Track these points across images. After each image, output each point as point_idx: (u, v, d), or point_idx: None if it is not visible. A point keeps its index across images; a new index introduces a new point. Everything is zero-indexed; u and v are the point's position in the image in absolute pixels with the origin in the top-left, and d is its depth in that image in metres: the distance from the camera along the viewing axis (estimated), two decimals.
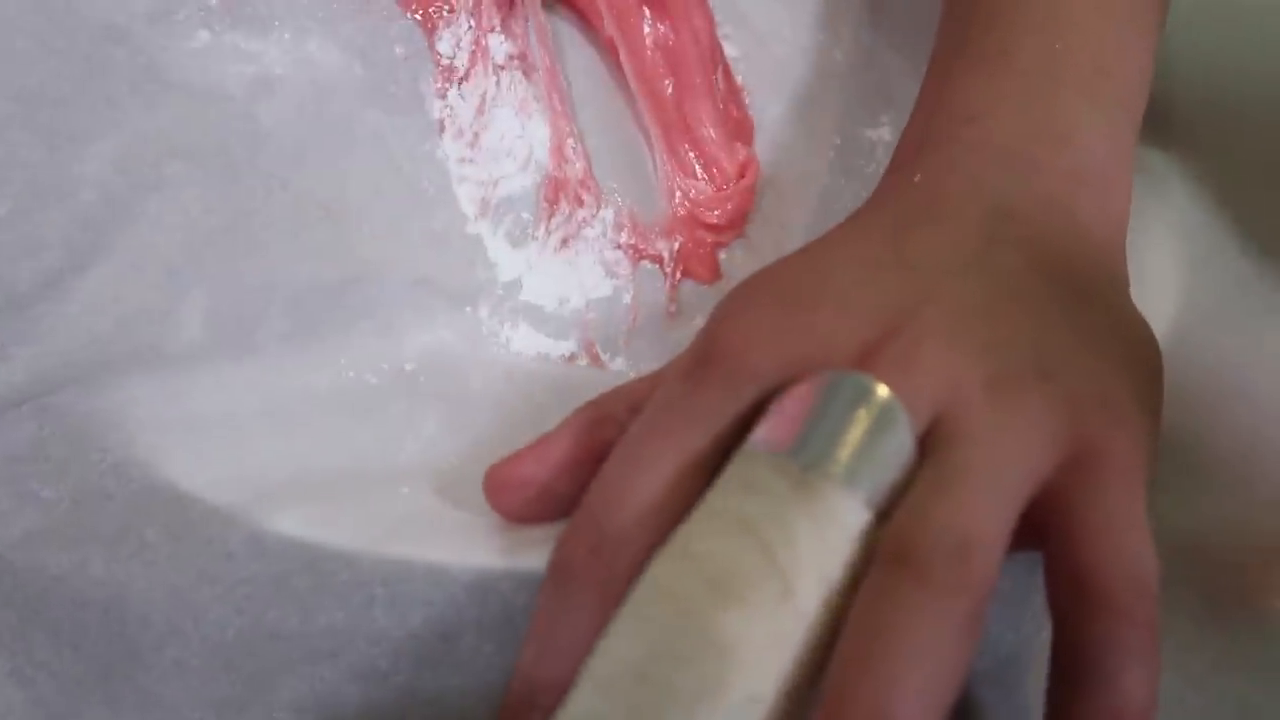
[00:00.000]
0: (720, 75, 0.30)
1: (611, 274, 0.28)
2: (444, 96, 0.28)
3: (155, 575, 0.19)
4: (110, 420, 0.21)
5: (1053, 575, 0.17)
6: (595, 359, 0.26)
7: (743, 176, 0.29)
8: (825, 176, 0.32)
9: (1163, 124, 0.28)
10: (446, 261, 0.26)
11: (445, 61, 0.29)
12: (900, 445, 0.16)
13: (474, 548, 0.19)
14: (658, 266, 0.28)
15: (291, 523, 0.19)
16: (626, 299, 0.27)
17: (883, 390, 0.16)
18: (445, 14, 0.29)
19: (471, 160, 0.28)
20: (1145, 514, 0.17)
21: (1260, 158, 0.30)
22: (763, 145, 0.31)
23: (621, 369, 0.26)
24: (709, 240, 0.29)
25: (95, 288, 0.23)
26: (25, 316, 0.22)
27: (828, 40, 0.32)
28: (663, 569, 0.15)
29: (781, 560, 0.15)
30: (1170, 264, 0.26)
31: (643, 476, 0.17)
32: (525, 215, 0.27)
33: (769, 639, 0.14)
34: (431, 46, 0.29)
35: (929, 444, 0.17)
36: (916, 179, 0.22)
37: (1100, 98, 0.23)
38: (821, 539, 0.15)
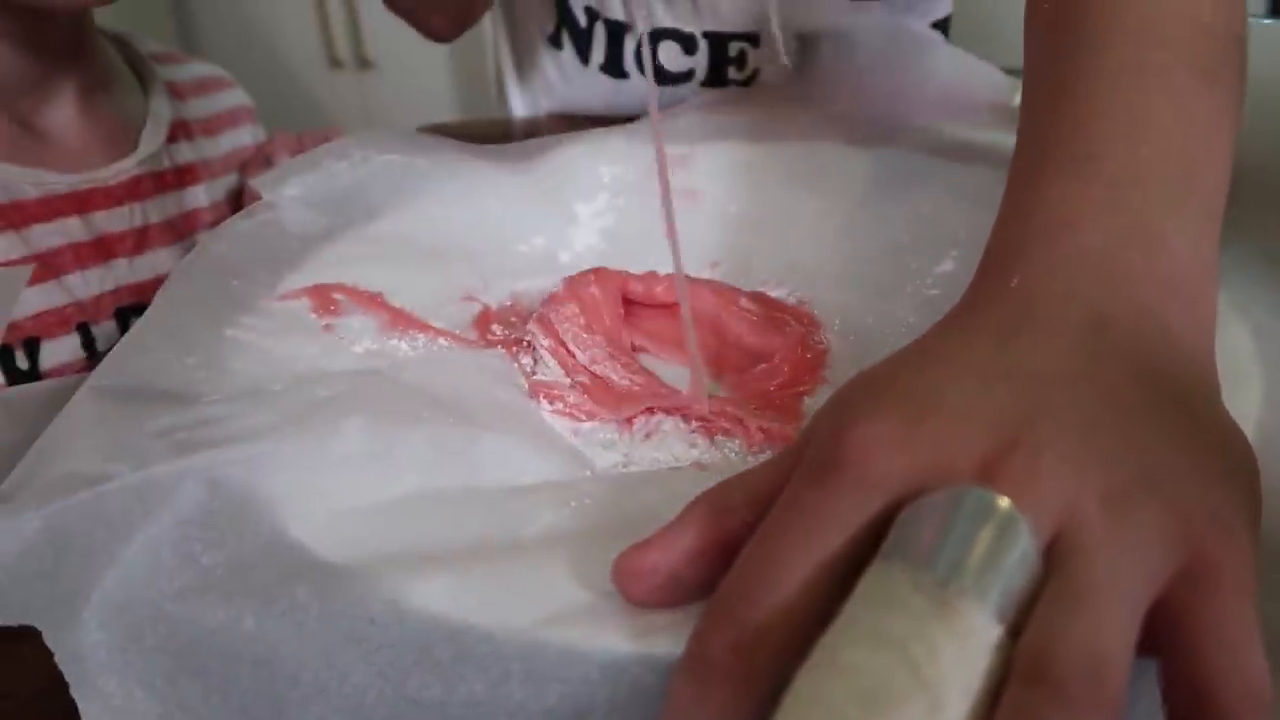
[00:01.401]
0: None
1: (696, 445, 0.30)
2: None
3: (304, 635, 0.20)
4: (269, 505, 0.23)
5: (1171, 688, 0.17)
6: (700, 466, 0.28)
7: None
8: (900, 313, 0.34)
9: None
10: (554, 454, 0.28)
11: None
12: (1025, 558, 0.17)
13: (605, 629, 0.20)
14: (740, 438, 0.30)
15: (430, 595, 0.21)
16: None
17: (1005, 504, 0.17)
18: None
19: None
20: (1256, 625, 0.17)
21: None
22: (846, 294, 0.34)
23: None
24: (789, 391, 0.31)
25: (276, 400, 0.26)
26: (210, 408, 0.25)
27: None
28: (812, 680, 0.16)
29: (927, 675, 0.15)
30: (1249, 361, 0.27)
31: (780, 576, 0.18)
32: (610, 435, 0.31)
33: None
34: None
35: (1051, 558, 0.17)
36: (1014, 284, 0.22)
37: (1187, 204, 0.23)
38: (963, 653, 0.16)
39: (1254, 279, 0.31)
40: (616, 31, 0.62)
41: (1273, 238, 0.34)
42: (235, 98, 0.63)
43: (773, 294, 0.37)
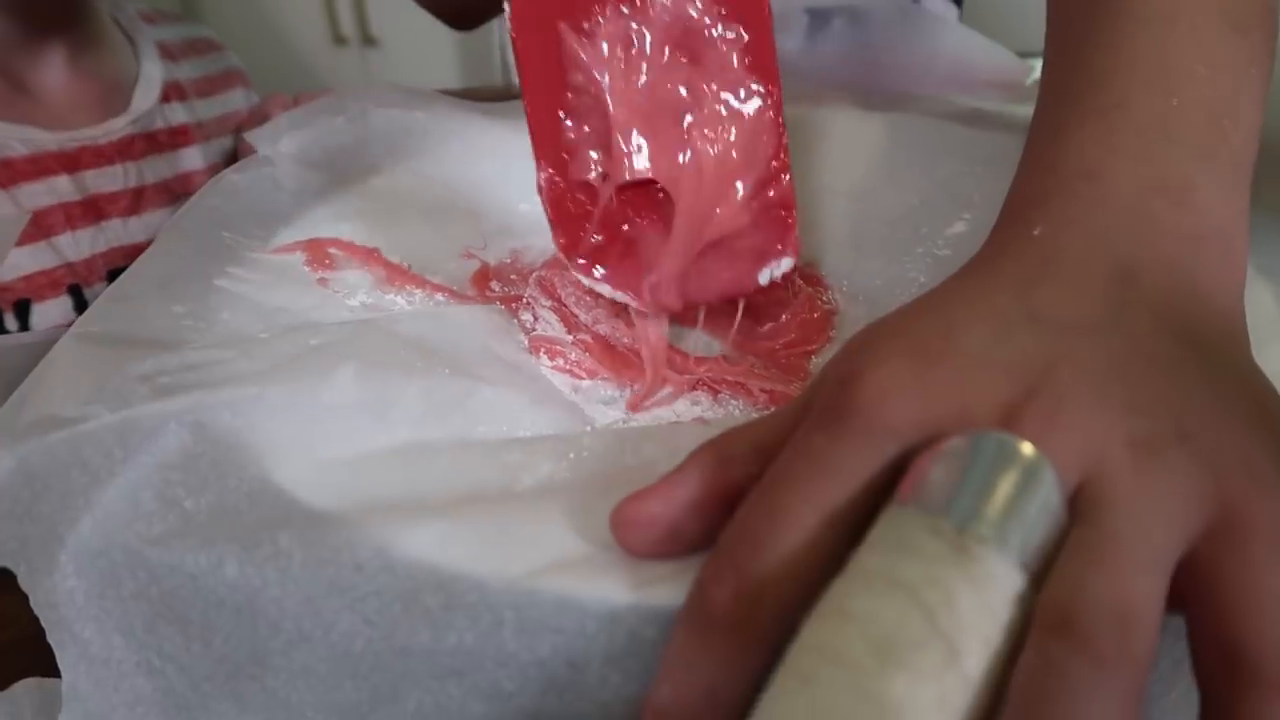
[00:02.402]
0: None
1: (699, 403, 0.29)
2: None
3: (288, 581, 0.19)
4: (256, 450, 0.22)
5: (1200, 645, 0.16)
6: (703, 421, 0.27)
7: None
8: (910, 273, 0.33)
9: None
10: (553, 409, 0.27)
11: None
12: (1049, 506, 0.16)
13: (602, 580, 0.19)
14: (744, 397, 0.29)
15: (420, 543, 0.20)
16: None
17: (1029, 449, 0.16)
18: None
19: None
20: None
21: None
22: (855, 256, 0.33)
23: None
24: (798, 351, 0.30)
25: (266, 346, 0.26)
26: (197, 353, 0.25)
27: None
28: (822, 628, 0.15)
29: (944, 623, 0.15)
30: (1273, 323, 0.26)
31: (784, 525, 0.17)
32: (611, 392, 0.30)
33: (936, 704, 0.14)
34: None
35: (1076, 507, 0.17)
36: (1036, 232, 0.22)
37: (1218, 155, 0.23)
38: (981, 602, 0.15)
39: (1278, 241, 0.30)
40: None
41: None
42: (227, 60, 0.62)
43: None
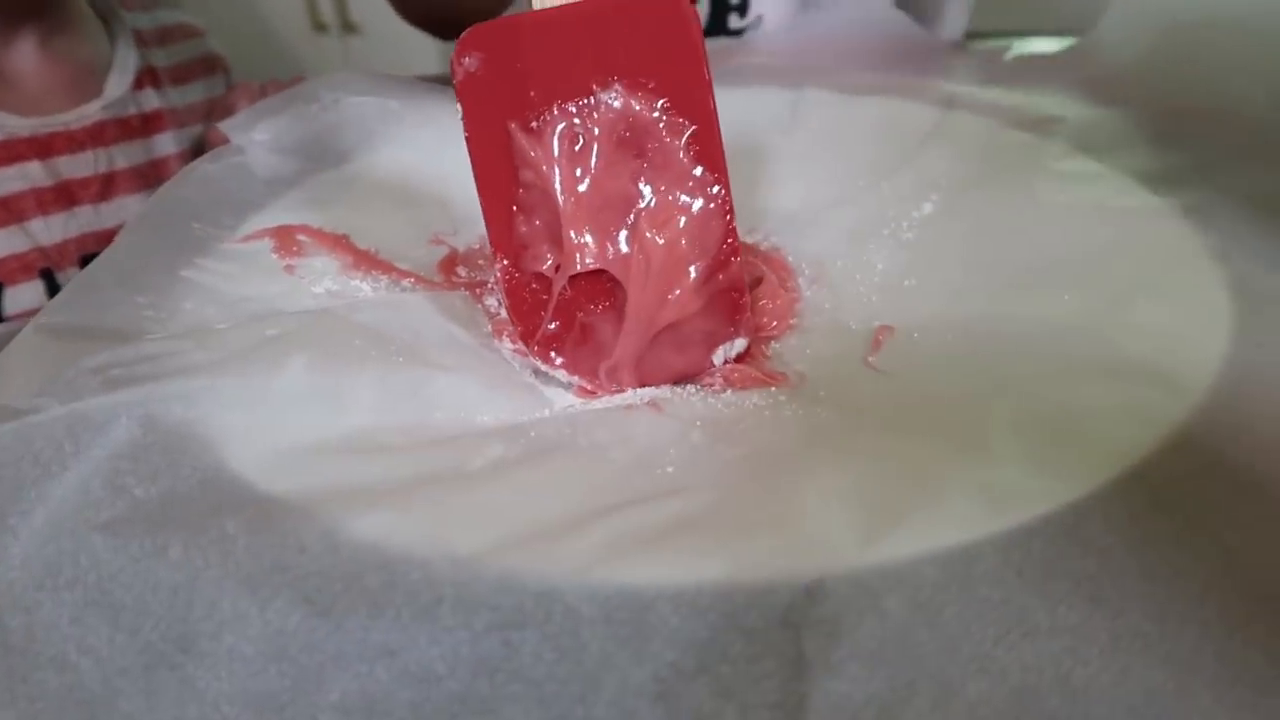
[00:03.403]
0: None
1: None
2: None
3: (230, 563, 0.19)
4: (207, 440, 0.23)
5: None
6: (656, 407, 0.27)
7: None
8: (872, 258, 0.33)
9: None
10: (511, 393, 0.28)
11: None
12: None
13: (543, 559, 0.19)
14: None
15: (369, 526, 0.20)
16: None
17: None
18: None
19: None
20: None
21: None
22: (817, 239, 0.33)
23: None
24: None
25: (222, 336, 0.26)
26: (151, 344, 0.25)
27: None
28: None
29: None
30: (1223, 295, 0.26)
31: None
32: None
33: None
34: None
35: None
36: None
37: None
38: None
39: (1234, 228, 0.30)
40: None
41: (1256, 186, 0.32)
42: (204, 46, 0.62)
43: (747, 239, 0.36)
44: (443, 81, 0.52)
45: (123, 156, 0.51)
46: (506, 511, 0.21)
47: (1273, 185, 0.32)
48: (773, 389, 0.27)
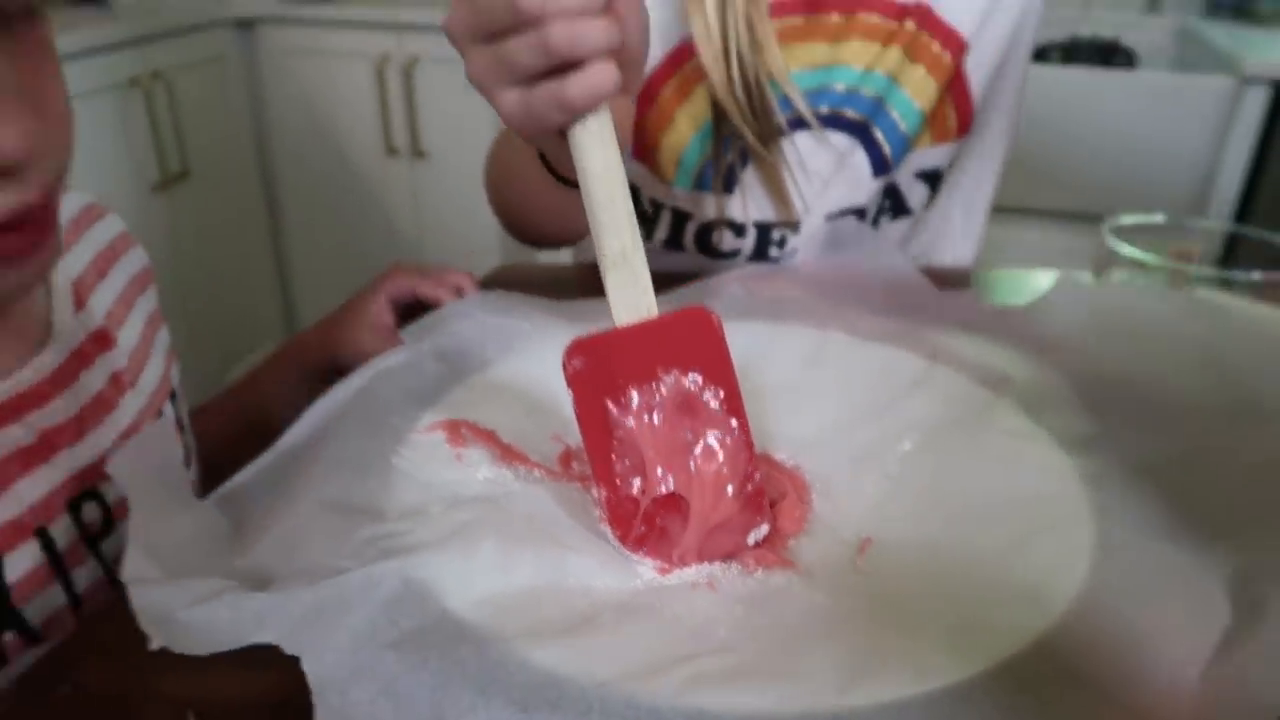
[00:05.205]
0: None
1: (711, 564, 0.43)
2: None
3: (466, 674, 0.33)
4: (438, 594, 0.37)
5: None
6: (712, 587, 0.41)
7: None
8: (865, 485, 0.47)
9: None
10: (615, 566, 0.41)
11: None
12: None
13: (650, 686, 0.32)
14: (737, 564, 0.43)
15: (544, 655, 0.34)
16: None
17: None
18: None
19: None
20: None
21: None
22: (827, 462, 0.47)
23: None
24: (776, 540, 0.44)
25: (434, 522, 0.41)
26: (394, 525, 0.40)
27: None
28: None
29: None
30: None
31: None
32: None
33: None
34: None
35: None
36: None
37: None
38: None
39: (1120, 492, 0.44)
40: (680, 218, 0.78)
41: (1145, 456, 0.46)
42: (112, 227, 0.58)
43: (777, 456, 0.50)
44: (531, 282, 0.66)
45: (84, 390, 0.49)
46: (622, 652, 0.34)
47: (1155, 456, 0.45)
48: (788, 573, 0.41)
